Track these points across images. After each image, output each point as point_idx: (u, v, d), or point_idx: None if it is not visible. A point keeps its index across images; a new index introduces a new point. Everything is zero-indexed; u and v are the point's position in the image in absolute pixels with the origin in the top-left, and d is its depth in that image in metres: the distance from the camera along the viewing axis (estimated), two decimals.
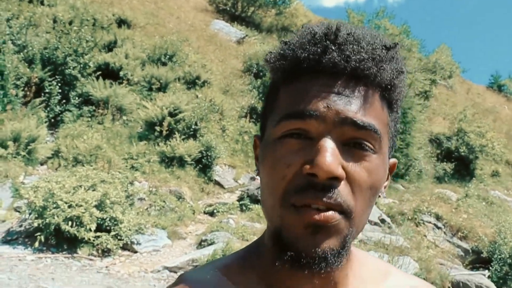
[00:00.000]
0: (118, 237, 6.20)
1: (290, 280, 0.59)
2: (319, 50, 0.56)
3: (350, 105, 0.55)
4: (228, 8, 18.47)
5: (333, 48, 0.55)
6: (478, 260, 9.12)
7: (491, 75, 25.70)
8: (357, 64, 0.55)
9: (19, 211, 6.38)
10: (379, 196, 0.61)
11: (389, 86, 0.58)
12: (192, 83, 11.65)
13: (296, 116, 0.55)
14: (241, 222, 7.86)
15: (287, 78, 0.59)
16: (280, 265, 0.55)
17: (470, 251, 9.28)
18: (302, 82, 0.57)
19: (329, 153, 0.52)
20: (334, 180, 0.53)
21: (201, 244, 6.93)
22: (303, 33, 0.59)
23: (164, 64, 11.52)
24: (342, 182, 0.53)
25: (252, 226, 7.81)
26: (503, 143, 15.40)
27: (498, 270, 8.40)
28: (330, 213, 0.52)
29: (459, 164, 14.20)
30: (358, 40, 0.56)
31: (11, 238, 6.01)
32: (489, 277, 8.09)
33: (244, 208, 8.57)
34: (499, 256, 8.56)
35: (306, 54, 0.56)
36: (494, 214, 10.88)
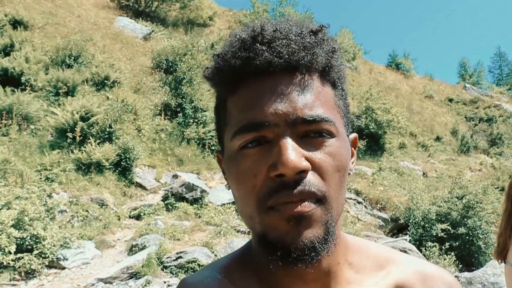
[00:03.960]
0: (43, 255, 5.79)
1: (285, 277, 0.60)
2: (251, 54, 0.56)
3: (296, 102, 0.55)
4: (131, 4, 17.82)
5: (264, 48, 0.56)
6: (397, 227, 9.82)
7: (389, 55, 27.49)
8: (290, 57, 0.56)
9: None
10: (349, 174, 0.63)
11: (327, 68, 0.60)
12: (101, 84, 11.12)
13: (249, 129, 0.56)
14: (169, 222, 7.72)
15: (230, 90, 0.60)
16: (274, 266, 0.56)
17: (389, 220, 9.96)
18: (246, 90, 0.58)
19: (290, 150, 0.53)
20: (302, 173, 0.54)
21: (132, 250, 6.71)
22: (232, 41, 0.60)
23: (69, 66, 10.84)
24: (310, 172, 0.55)
25: (181, 225, 7.70)
26: (406, 117, 16.59)
27: (414, 233, 9.12)
28: (306, 203, 0.53)
29: (370, 140, 15.03)
30: (286, 33, 0.57)
31: None
32: (409, 241, 8.74)
33: (170, 207, 8.44)
34: (413, 221, 9.29)
35: (240, 62, 0.57)
36: (405, 183, 11.73)
